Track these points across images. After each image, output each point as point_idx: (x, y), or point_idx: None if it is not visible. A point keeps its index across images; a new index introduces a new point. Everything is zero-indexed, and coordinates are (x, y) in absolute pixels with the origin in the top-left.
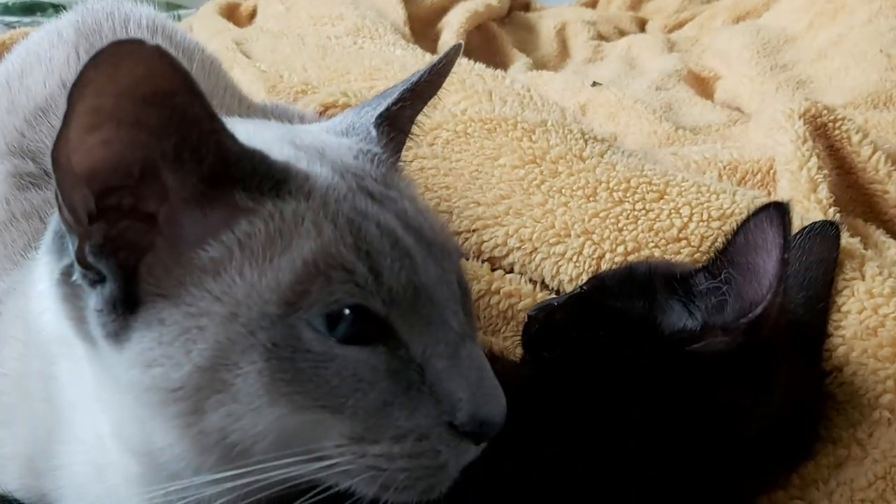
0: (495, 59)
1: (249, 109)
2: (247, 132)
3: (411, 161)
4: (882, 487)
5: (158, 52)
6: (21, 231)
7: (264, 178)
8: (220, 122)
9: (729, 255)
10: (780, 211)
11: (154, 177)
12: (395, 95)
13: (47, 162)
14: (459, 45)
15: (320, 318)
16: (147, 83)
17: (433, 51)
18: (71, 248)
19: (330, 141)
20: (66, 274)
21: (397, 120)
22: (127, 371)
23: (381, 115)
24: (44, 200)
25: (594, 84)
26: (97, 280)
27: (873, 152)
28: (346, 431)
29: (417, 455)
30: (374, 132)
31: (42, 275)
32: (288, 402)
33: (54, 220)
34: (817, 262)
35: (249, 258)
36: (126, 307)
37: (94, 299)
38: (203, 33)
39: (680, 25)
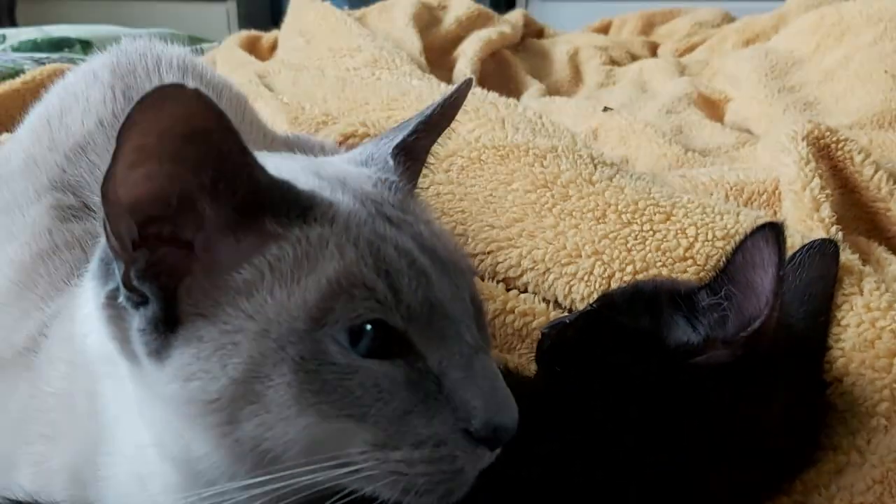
0: (509, 85)
1: (273, 142)
2: (275, 164)
3: (428, 187)
4: (880, 491)
5: (197, 94)
6: (63, 260)
7: (292, 206)
8: (252, 155)
9: (729, 273)
10: (774, 231)
11: (191, 207)
12: (410, 128)
13: (87, 195)
14: (470, 79)
15: (344, 333)
16: (186, 123)
17: (449, 79)
18: (117, 272)
19: (351, 171)
20: (112, 297)
21: (413, 150)
22: (167, 385)
23: (397, 146)
24: (84, 231)
25: (605, 109)
26: (140, 302)
27: (875, 172)
28: (370, 438)
29: (436, 460)
30: (391, 162)
31: (88, 299)
32: (315, 411)
33: (100, 249)
34: (817, 279)
35: (279, 279)
36: (167, 326)
37: (137, 320)
38: (226, 66)
39: (691, 49)
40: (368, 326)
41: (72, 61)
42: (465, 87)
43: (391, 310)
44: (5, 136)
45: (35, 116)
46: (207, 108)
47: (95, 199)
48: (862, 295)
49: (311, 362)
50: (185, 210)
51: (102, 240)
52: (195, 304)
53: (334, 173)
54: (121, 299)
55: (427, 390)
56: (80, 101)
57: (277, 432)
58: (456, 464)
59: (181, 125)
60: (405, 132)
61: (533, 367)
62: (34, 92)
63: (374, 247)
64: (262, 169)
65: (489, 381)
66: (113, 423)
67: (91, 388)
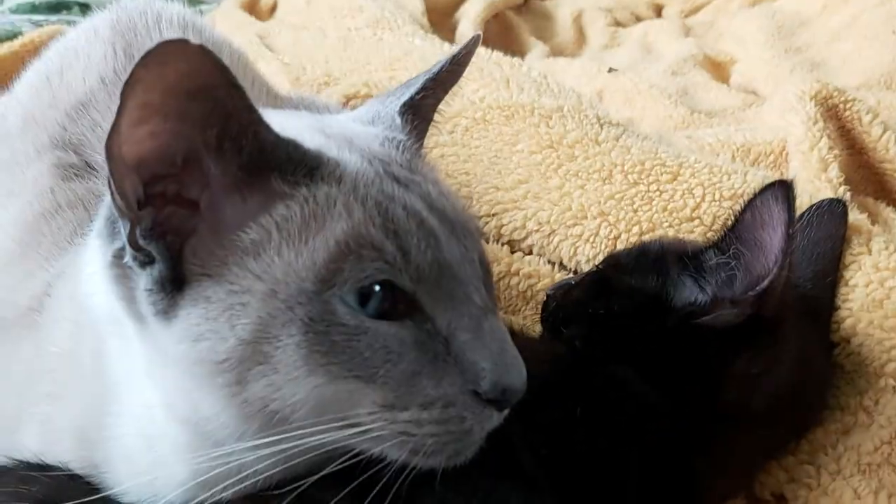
0: (512, 47)
1: (277, 100)
2: (280, 122)
3: (432, 148)
4: (888, 452)
5: (202, 49)
6: (66, 219)
7: (299, 165)
8: (258, 113)
9: (737, 232)
10: (785, 188)
11: (196, 165)
12: (418, 85)
13: (89, 154)
14: (478, 35)
15: (353, 294)
16: (191, 79)
17: (451, 41)
18: (123, 232)
19: (357, 129)
20: (118, 257)
21: (420, 108)
22: (175, 346)
23: (405, 104)
24: (87, 190)
25: (610, 70)
26: (147, 262)
27: (884, 132)
28: (378, 399)
29: (444, 421)
30: (398, 120)
31: (93, 258)
32: (324, 372)
33: (106, 207)
34: (825, 238)
35: (287, 239)
36: (174, 286)
37: (144, 280)
38: (225, 27)
39: (696, 10)
40: (377, 287)
41: (70, 23)
42: (472, 44)
43: (400, 271)
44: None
45: (34, 73)
46: (212, 63)
47: (97, 158)
48: (871, 255)
49: (319, 323)
50: (190, 169)
51: (107, 199)
52: (202, 264)
53: (340, 132)
54: (127, 259)
55: (435, 351)
56: (81, 58)
57: (286, 393)
58: (464, 425)
59: (186, 81)
60: (413, 90)
61: (538, 329)
62: (33, 54)
63: (382, 207)
64: (268, 127)
65: (498, 342)
66: (119, 383)
67: (97, 347)
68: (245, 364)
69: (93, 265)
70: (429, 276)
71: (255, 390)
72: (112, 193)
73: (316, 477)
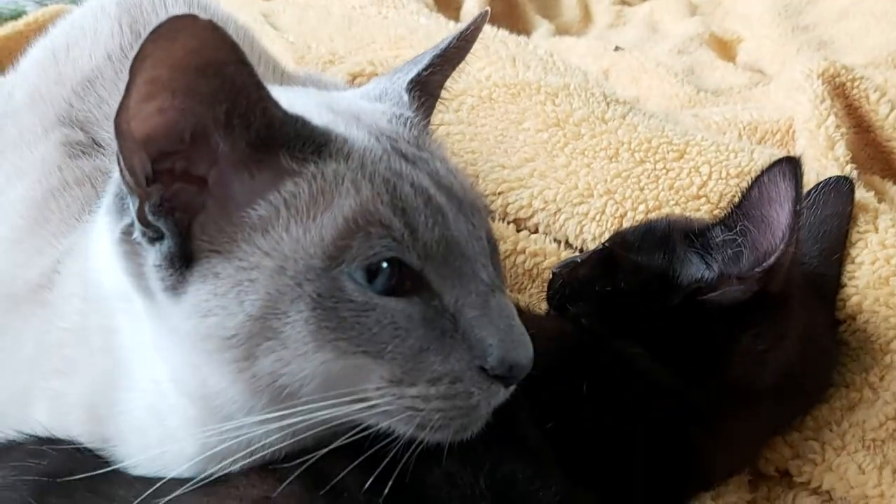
0: (518, 26)
1: (284, 77)
2: (288, 99)
3: (438, 126)
4: (892, 428)
5: (211, 25)
6: (74, 197)
7: (307, 142)
8: (267, 90)
9: (744, 209)
10: (792, 165)
11: (204, 142)
12: (425, 61)
13: (95, 131)
14: (486, 11)
15: (361, 271)
16: (200, 55)
17: (456, 19)
18: (132, 208)
19: (364, 106)
20: (127, 233)
21: (427, 85)
22: (184, 321)
23: (412, 81)
24: (94, 167)
25: (616, 49)
26: (156, 238)
27: (891, 110)
28: (386, 375)
29: (451, 396)
30: (406, 97)
31: (102, 235)
32: (332, 348)
33: (115, 184)
34: (832, 216)
35: (295, 216)
36: (182, 262)
37: (152, 256)
38: (230, 6)
39: None
40: (385, 264)
41: (74, 2)
42: (480, 20)
43: (408, 248)
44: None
45: (40, 50)
46: (221, 39)
47: (104, 135)
48: (877, 232)
49: (328, 299)
50: (198, 145)
51: (116, 175)
52: (210, 241)
53: (347, 108)
54: (136, 235)
55: (443, 328)
56: (88, 34)
57: (294, 368)
58: (471, 400)
59: (194, 57)
60: (420, 66)
61: (544, 307)
62: (37, 33)
63: (390, 184)
64: (276, 104)
65: (505, 318)
66: (128, 359)
67: (105, 323)
68: (254, 339)
69: (101, 241)
70: (436, 254)
71: (264, 365)
72: (121, 170)
73: (324, 451)
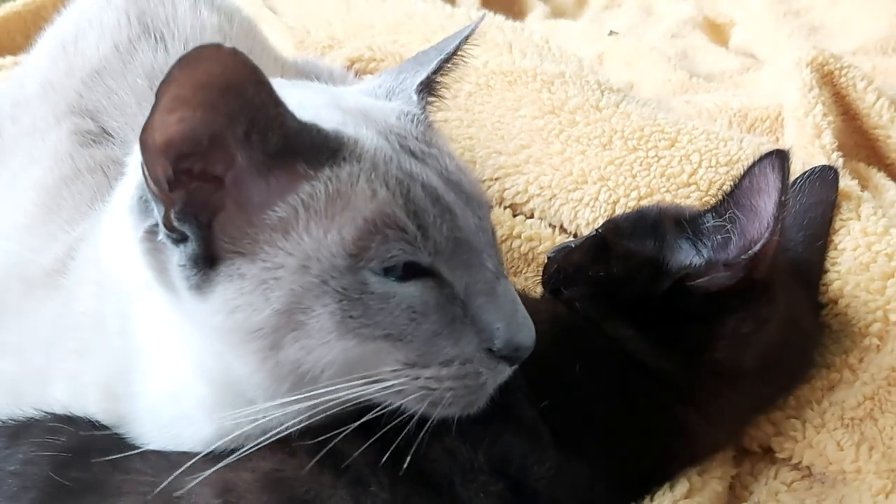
0: (513, 7)
1: (284, 67)
2: (297, 98)
3: (436, 112)
4: (870, 407)
5: (234, 52)
6: (87, 184)
7: (322, 149)
8: (284, 105)
9: (734, 197)
10: (781, 157)
11: (221, 147)
12: (433, 66)
13: (105, 120)
14: (484, 13)
15: (378, 267)
16: (222, 77)
17: (451, 3)
18: (157, 214)
19: (371, 103)
20: (151, 232)
21: (434, 86)
22: (211, 317)
23: (423, 83)
24: (105, 156)
25: (611, 33)
26: (180, 240)
27: (877, 99)
28: (402, 358)
29: (462, 377)
30: (415, 97)
31: (123, 230)
32: (354, 335)
33: (137, 187)
34: (817, 204)
35: (314, 217)
36: (206, 264)
37: (177, 256)
38: None
39: None
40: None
41: None
42: (479, 22)
43: (420, 248)
44: (8, 58)
45: (49, 41)
46: (241, 64)
47: (113, 124)
48: (859, 220)
49: (352, 292)
50: (215, 149)
51: (138, 179)
52: (232, 242)
53: (355, 106)
54: (160, 237)
55: (454, 314)
56: (95, 25)
57: (317, 355)
58: (480, 379)
59: (217, 79)
60: (429, 70)
61: (539, 290)
62: (35, 14)
63: (403, 186)
64: (292, 116)
65: (511, 304)
66: (145, 343)
67: (122, 309)
68: (279, 331)
69: (122, 236)
70: (445, 249)
71: (289, 354)
72: (146, 179)
73: (343, 431)
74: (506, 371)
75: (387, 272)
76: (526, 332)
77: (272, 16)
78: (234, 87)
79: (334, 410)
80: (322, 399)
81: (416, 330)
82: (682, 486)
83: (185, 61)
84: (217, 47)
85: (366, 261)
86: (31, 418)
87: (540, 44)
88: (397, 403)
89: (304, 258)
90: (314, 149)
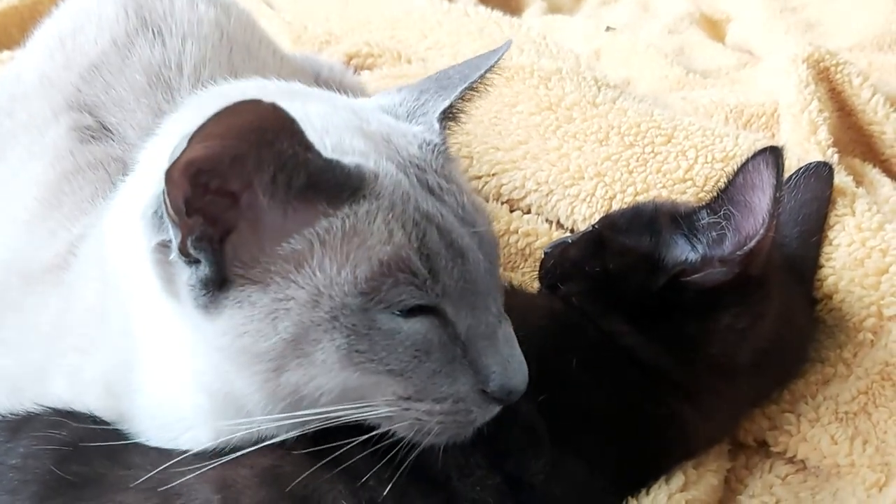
0: (510, 3)
1: (283, 61)
2: (322, 121)
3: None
4: (864, 401)
5: (273, 106)
6: (88, 181)
7: (343, 188)
8: (314, 148)
9: (729, 194)
10: (775, 154)
11: (241, 169)
12: (457, 93)
13: (103, 115)
14: (510, 41)
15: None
16: (255, 130)
17: None
18: (174, 239)
19: (394, 127)
20: (163, 246)
21: (455, 113)
22: (217, 337)
23: (445, 111)
24: (105, 153)
25: (608, 29)
26: (192, 262)
27: (872, 95)
28: (400, 391)
29: (453, 413)
30: (437, 126)
31: (132, 233)
32: (357, 368)
33: (153, 202)
34: (811, 200)
35: (329, 253)
36: (216, 287)
37: (187, 275)
38: None
39: None
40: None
41: None
42: (503, 50)
43: (428, 291)
44: (5, 53)
45: (47, 35)
46: (276, 115)
47: (112, 119)
48: (854, 216)
49: (361, 328)
50: (235, 169)
51: (153, 192)
52: (244, 268)
53: (378, 130)
54: (173, 256)
55: (454, 354)
56: (93, 19)
57: (318, 383)
58: (470, 416)
59: (252, 130)
60: (452, 98)
61: (535, 285)
62: (31, 9)
63: (419, 228)
64: (318, 155)
65: (508, 349)
66: (147, 345)
67: (125, 309)
68: (285, 358)
69: (130, 239)
70: (453, 292)
71: (290, 378)
72: (167, 208)
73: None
74: (495, 410)
75: (392, 310)
76: (520, 378)
77: (269, 11)
78: (269, 136)
79: (327, 425)
80: (316, 418)
81: (417, 367)
82: (677, 480)
83: (223, 113)
84: (256, 102)
85: (375, 301)
86: (32, 413)
87: (537, 40)
88: (387, 428)
89: (315, 293)
90: (337, 188)
